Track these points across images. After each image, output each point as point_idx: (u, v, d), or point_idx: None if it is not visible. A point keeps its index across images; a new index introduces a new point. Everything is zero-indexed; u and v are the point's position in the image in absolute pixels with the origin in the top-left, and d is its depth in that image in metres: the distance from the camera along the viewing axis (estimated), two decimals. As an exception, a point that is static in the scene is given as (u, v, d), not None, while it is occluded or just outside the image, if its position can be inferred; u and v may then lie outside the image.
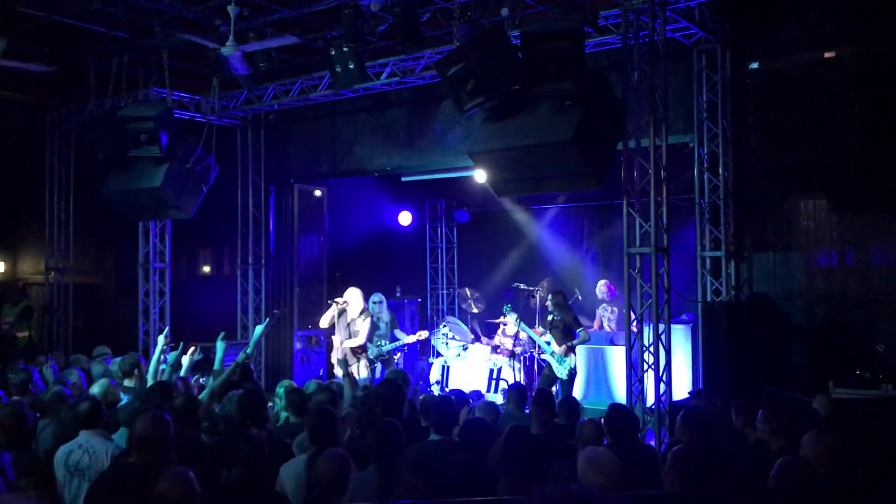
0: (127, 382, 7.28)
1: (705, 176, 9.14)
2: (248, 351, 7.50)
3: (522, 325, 10.04)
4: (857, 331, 8.36)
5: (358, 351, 9.82)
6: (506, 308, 10.44)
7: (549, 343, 9.62)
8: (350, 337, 9.85)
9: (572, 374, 9.53)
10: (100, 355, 8.67)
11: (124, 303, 13.76)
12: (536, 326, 10.38)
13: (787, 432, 4.78)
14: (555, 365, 9.53)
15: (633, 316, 7.90)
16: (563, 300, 9.82)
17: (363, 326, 9.82)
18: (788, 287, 8.82)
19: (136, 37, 9.92)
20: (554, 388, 9.42)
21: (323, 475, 4.00)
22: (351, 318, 9.91)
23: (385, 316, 10.42)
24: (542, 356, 9.98)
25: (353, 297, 9.94)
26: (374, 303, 10.32)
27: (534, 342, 10.77)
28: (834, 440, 4.17)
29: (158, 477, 3.44)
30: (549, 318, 9.80)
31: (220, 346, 7.46)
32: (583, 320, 10.54)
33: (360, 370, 9.67)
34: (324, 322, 10.21)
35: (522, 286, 11.73)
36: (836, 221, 8.68)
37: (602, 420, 5.55)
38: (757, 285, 8.98)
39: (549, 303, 9.91)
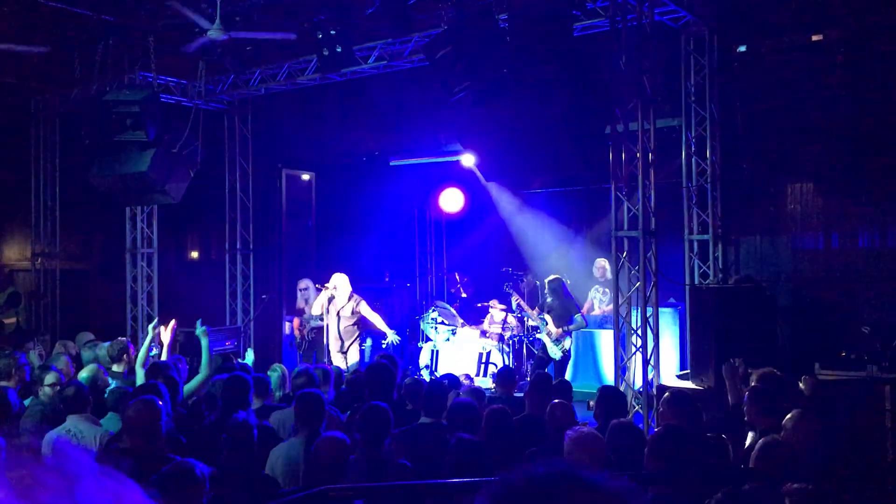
0: (115, 368, 7.27)
1: (693, 159, 9.17)
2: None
3: (522, 303, 10.18)
4: (843, 313, 8.44)
5: (349, 332, 9.92)
6: (506, 286, 10.56)
7: (545, 323, 9.70)
8: (340, 322, 9.91)
9: (566, 355, 9.62)
10: (86, 342, 8.65)
11: (112, 288, 13.70)
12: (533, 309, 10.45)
13: (773, 413, 4.83)
14: (549, 345, 9.61)
15: (620, 299, 7.94)
16: (558, 285, 9.88)
17: (368, 308, 9.96)
18: (775, 270, 8.88)
19: (121, 20, 9.82)
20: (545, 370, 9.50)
21: (322, 458, 4.02)
22: (340, 304, 9.95)
23: (312, 299, 11.07)
24: (538, 335, 10.08)
25: (340, 283, 9.97)
26: (301, 289, 11.30)
27: (524, 325, 10.82)
28: (815, 421, 4.22)
29: (148, 462, 3.45)
30: (549, 300, 9.89)
31: (203, 341, 7.05)
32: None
33: (353, 354, 9.82)
34: (315, 309, 10.26)
35: (511, 270, 11.76)
36: (822, 205, 8.74)
37: (589, 402, 5.62)
38: (744, 268, 9.05)
39: (546, 288, 10.04)
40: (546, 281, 10.16)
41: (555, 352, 9.56)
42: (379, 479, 4.12)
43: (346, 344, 9.91)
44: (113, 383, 6.50)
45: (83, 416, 4.99)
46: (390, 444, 4.57)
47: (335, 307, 9.96)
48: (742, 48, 8.05)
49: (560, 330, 9.58)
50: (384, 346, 11.65)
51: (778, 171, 8.82)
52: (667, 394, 5.34)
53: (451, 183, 14.19)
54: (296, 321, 11.65)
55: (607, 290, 11.40)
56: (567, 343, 9.63)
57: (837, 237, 8.62)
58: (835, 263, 8.60)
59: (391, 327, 12.21)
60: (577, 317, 9.75)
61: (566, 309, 9.73)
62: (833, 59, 7.63)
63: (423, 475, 4.33)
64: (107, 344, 8.00)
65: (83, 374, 6.39)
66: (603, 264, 11.58)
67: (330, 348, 9.91)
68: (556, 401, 5.31)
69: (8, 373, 6.60)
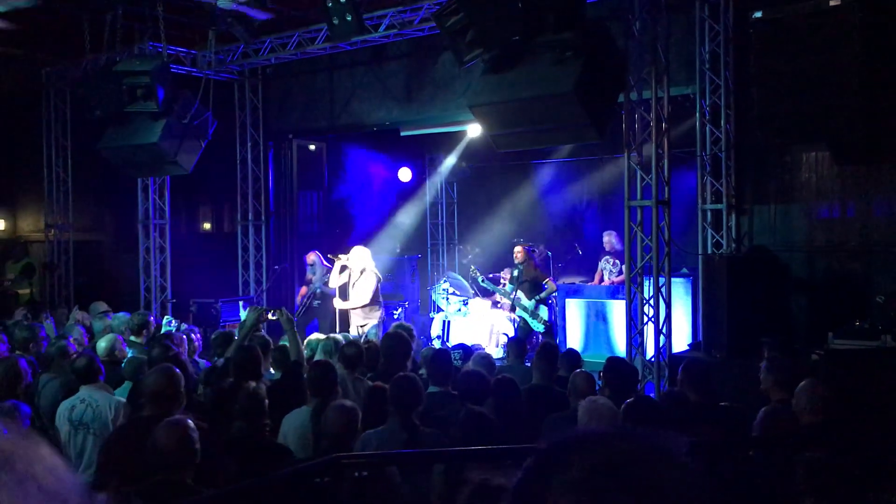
0: (133, 338, 7.32)
1: (707, 128, 9.07)
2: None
3: (487, 282, 10.21)
4: (857, 282, 8.37)
5: (367, 308, 9.77)
6: (518, 245, 10.55)
7: (519, 299, 9.69)
8: (347, 295, 9.84)
9: (549, 326, 9.61)
10: (99, 312, 8.70)
11: (125, 259, 13.78)
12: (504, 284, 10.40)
13: (789, 384, 4.80)
14: (529, 319, 9.63)
15: (632, 268, 7.91)
16: (525, 256, 9.89)
17: (365, 283, 9.76)
18: (789, 239, 8.80)
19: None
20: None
21: (333, 426, 4.03)
22: (354, 278, 9.85)
23: (318, 273, 11.26)
24: (517, 313, 10.05)
25: (357, 256, 9.85)
26: (309, 264, 11.31)
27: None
28: (826, 390, 4.19)
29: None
30: (516, 272, 9.85)
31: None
32: (583, 274, 10.55)
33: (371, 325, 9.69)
34: (334, 281, 10.10)
35: (522, 241, 11.71)
36: (837, 173, 8.63)
37: (599, 373, 5.62)
38: (758, 238, 8.97)
39: (514, 260, 10.04)
40: (514, 252, 10.14)
41: (536, 325, 9.57)
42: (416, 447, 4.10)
43: (363, 321, 9.71)
44: (130, 353, 6.54)
45: (97, 386, 5.03)
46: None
47: (350, 280, 9.88)
48: (757, 14, 7.89)
49: (534, 301, 9.54)
50: (396, 316, 11.67)
51: (793, 139, 8.69)
52: (684, 363, 5.34)
53: (463, 153, 14.11)
54: (303, 290, 11.68)
55: (617, 260, 11.36)
56: (544, 313, 9.61)
57: (852, 206, 8.52)
58: (850, 233, 8.51)
59: (406, 299, 12.17)
60: (548, 282, 9.77)
61: (536, 278, 9.73)
62: (851, 25, 7.47)
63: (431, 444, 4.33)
64: (121, 314, 8.06)
65: (101, 344, 6.44)
66: (608, 238, 11.54)
67: (351, 321, 9.80)
68: (579, 370, 5.41)
69: (25, 345, 6.65)
